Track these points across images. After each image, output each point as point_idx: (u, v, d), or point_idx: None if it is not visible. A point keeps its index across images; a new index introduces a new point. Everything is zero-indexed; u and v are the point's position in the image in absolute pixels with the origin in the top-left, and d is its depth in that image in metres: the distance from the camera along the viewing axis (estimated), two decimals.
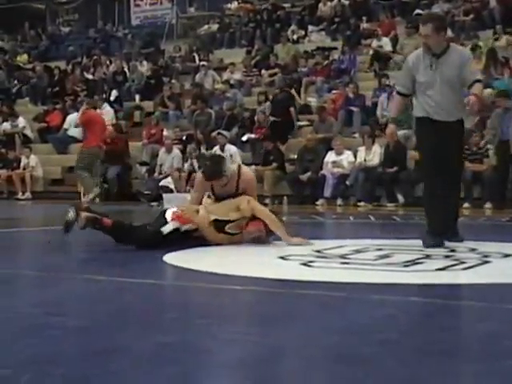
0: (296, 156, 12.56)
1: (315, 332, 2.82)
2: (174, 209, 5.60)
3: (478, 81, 5.49)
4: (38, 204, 12.98)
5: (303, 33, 18.39)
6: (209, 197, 5.91)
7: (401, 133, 11.95)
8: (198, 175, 6.12)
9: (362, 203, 11.24)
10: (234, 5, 21.21)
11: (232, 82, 16.13)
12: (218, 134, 13.01)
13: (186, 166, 12.75)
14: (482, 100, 5.76)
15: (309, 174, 11.97)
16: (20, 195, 14.30)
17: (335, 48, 16.73)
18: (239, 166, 6.05)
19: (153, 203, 12.15)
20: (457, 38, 15.44)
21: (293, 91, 14.33)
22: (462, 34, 15.71)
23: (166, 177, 12.79)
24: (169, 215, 5.49)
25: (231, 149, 12.65)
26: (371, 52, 15.82)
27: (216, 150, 12.73)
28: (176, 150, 13.21)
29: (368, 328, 2.89)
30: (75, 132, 15.52)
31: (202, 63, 17.23)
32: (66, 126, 15.63)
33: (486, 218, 8.79)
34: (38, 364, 2.37)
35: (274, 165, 12.30)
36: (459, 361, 2.42)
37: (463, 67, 5.41)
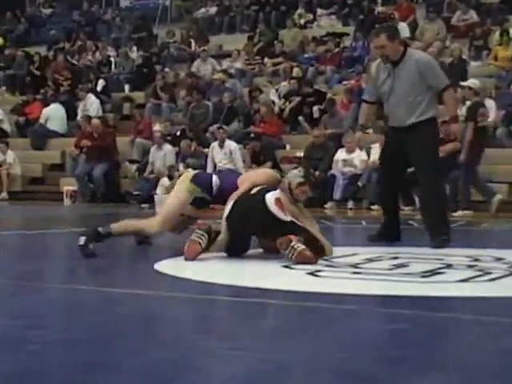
0: (303, 154, 12.58)
1: (321, 348, 2.84)
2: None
3: (448, 87, 6.15)
4: (16, 205, 12.99)
5: (311, 17, 18.40)
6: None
7: None
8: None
9: (375, 206, 11.25)
10: None
11: (232, 71, 16.15)
12: (219, 128, 13.03)
13: (181, 166, 12.75)
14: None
15: (317, 173, 11.99)
16: None
17: (347, 34, 16.75)
18: None
19: (143, 205, 12.18)
20: (482, 23, 15.49)
21: None
22: (489, 19, 15.72)
23: (158, 179, 12.80)
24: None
25: (231, 145, 12.68)
26: None
27: (214, 146, 12.77)
28: (168, 146, 13.22)
29: (379, 344, 2.91)
30: (56, 126, 15.54)
31: (199, 49, 17.26)
32: (42, 119, 15.63)
33: None
34: (16, 381, 2.39)
35: (269, 163, 12.32)
36: (480, 380, 2.44)
37: (425, 76, 6.06)
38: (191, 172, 6.07)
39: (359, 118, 6.91)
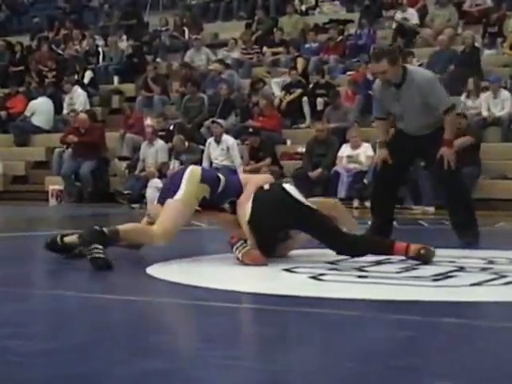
0: (304, 149, 12.58)
1: (324, 357, 2.85)
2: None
3: (449, 109, 6.31)
4: None
5: (313, 2, 18.42)
6: None
7: None
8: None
9: None
10: None
11: (228, 61, 16.16)
12: (213, 122, 13.03)
13: (176, 164, 12.73)
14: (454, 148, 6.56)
15: (319, 170, 12.00)
16: None
17: (351, 21, 16.76)
18: None
19: (134, 205, 12.18)
20: (497, 8, 15.47)
21: None
22: (504, 4, 15.69)
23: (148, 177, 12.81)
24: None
25: (229, 140, 12.67)
26: (394, 25, 15.84)
27: (210, 141, 12.77)
28: (160, 142, 13.21)
29: (386, 353, 2.92)
30: (41, 121, 15.54)
31: (194, 37, 17.25)
32: (27, 112, 15.65)
33: None
34: None
35: (268, 160, 12.32)
36: None
37: (427, 95, 6.25)
38: (197, 168, 5.68)
39: (379, 135, 6.92)
